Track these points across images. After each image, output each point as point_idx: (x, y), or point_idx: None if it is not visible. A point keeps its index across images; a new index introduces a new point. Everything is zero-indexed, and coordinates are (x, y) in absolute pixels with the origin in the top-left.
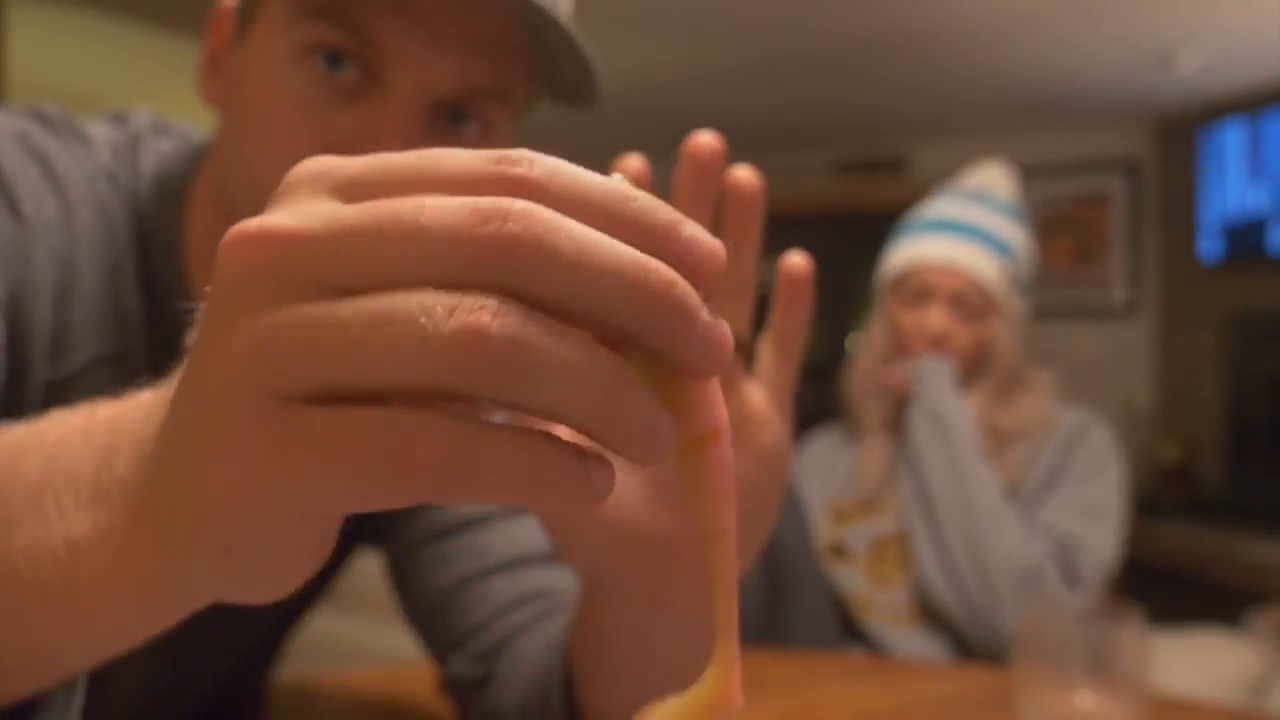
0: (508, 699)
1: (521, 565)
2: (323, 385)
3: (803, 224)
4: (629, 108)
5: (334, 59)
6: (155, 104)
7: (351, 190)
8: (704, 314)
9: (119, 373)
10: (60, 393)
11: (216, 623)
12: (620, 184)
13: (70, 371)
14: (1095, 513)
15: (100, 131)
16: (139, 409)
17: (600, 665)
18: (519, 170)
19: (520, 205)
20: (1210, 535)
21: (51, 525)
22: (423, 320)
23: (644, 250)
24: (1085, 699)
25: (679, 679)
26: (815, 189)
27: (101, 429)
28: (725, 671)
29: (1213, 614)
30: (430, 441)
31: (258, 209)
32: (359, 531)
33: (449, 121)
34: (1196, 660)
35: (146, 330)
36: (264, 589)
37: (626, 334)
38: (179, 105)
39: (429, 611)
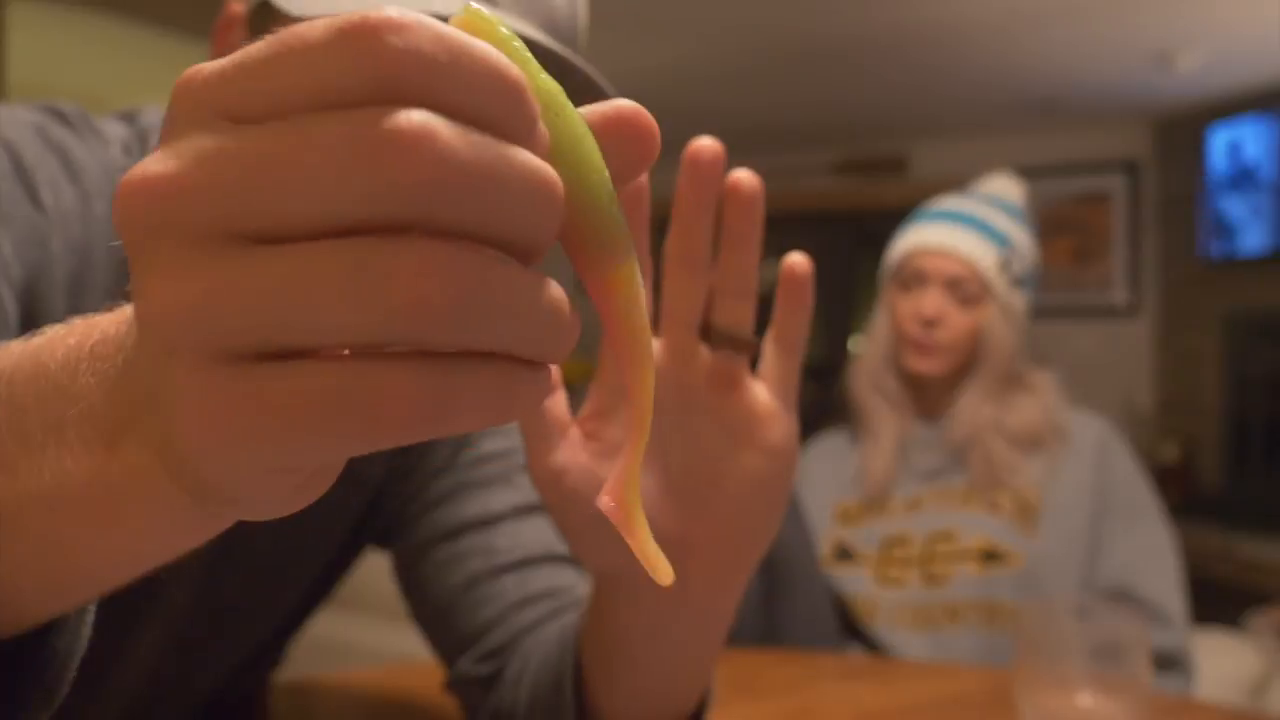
0: (518, 697)
1: (531, 564)
2: (264, 344)
3: (803, 224)
4: None
5: None
6: (156, 104)
7: (225, 104)
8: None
9: None
10: None
11: (219, 624)
12: (495, 52)
13: None
14: (1157, 554)
15: (113, 129)
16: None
17: (613, 662)
18: (384, 41)
19: (411, 127)
20: (1210, 535)
21: (74, 458)
22: (356, 282)
23: (521, 135)
24: (1085, 699)
25: (692, 674)
26: (815, 189)
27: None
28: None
29: (1213, 614)
30: (400, 388)
31: None
32: (366, 532)
33: None
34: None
35: None
36: (278, 512)
37: (517, 247)
38: None
39: (438, 611)
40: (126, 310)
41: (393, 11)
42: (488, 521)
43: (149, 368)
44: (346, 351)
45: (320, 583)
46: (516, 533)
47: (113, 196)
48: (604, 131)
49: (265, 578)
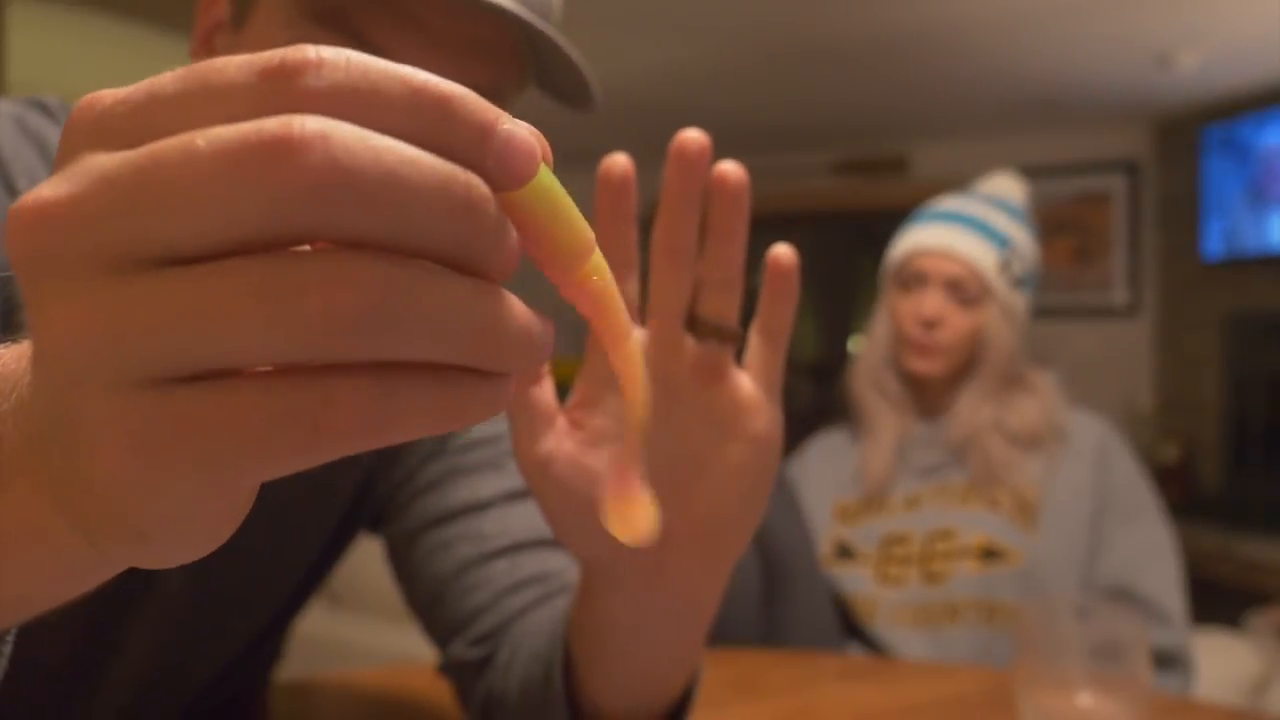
0: (508, 681)
1: (521, 549)
2: (180, 368)
3: (803, 224)
4: (629, 108)
5: None
6: None
7: (127, 130)
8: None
9: None
10: None
11: (214, 612)
12: (421, 75)
13: None
14: (1157, 553)
15: None
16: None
17: (600, 649)
18: (302, 82)
19: (304, 132)
20: (1210, 535)
21: None
22: (264, 299)
23: (457, 153)
24: (1085, 699)
25: (678, 660)
26: (815, 189)
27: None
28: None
29: (1213, 614)
30: (334, 401)
31: None
32: (358, 517)
33: None
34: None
35: None
36: (186, 556)
37: (441, 255)
38: None
39: (430, 597)
40: (19, 346)
41: (310, 50)
42: (477, 507)
43: (49, 403)
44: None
45: (314, 569)
46: (506, 518)
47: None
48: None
49: (259, 563)
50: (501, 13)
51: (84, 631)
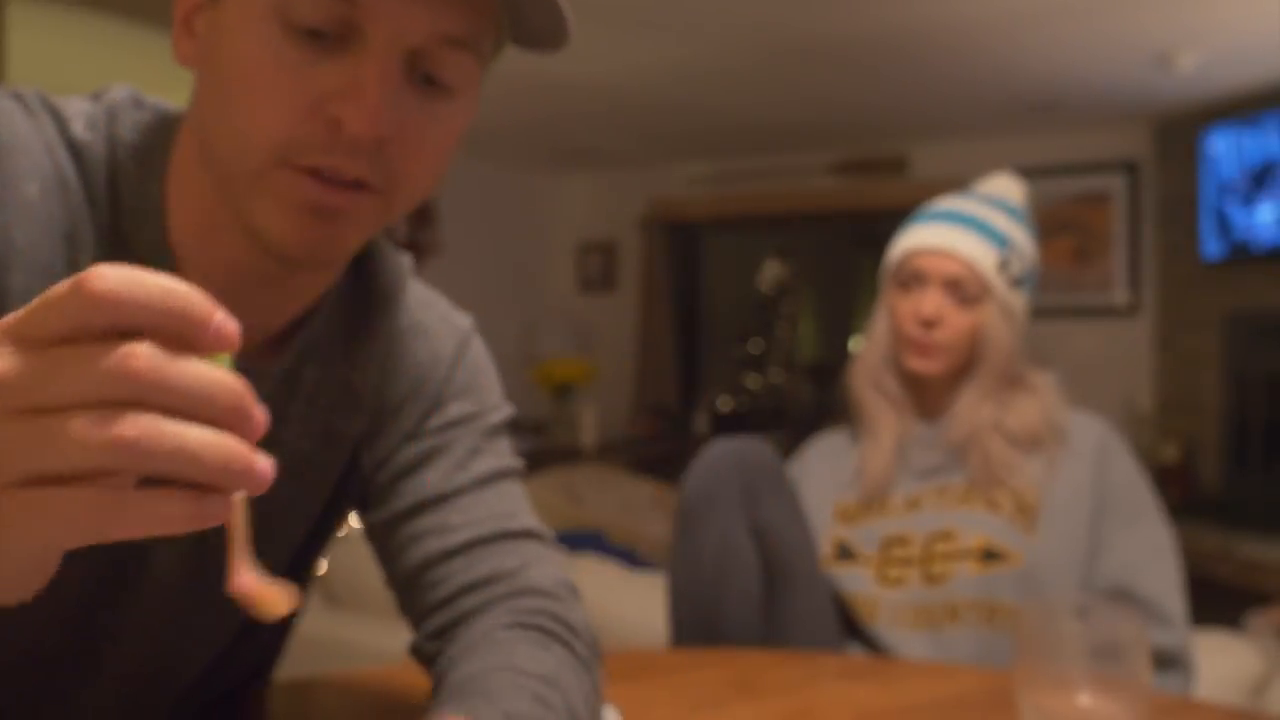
0: (449, 680)
1: (480, 545)
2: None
3: (803, 224)
4: (629, 108)
5: (314, 32)
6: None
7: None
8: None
9: None
10: None
11: (207, 597)
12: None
13: None
14: (1157, 553)
15: (77, 107)
16: None
17: None
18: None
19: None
20: (1210, 535)
21: None
22: (88, 436)
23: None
24: (1085, 699)
25: None
26: (815, 189)
27: None
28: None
29: (1213, 614)
30: (97, 508)
31: (245, 166)
32: (346, 495)
33: (419, 82)
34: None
35: None
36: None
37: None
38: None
39: (401, 586)
40: None
41: (106, 271)
42: (447, 495)
43: None
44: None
45: (306, 550)
46: (473, 507)
47: (58, 179)
48: None
49: (253, 539)
50: None
51: (75, 619)
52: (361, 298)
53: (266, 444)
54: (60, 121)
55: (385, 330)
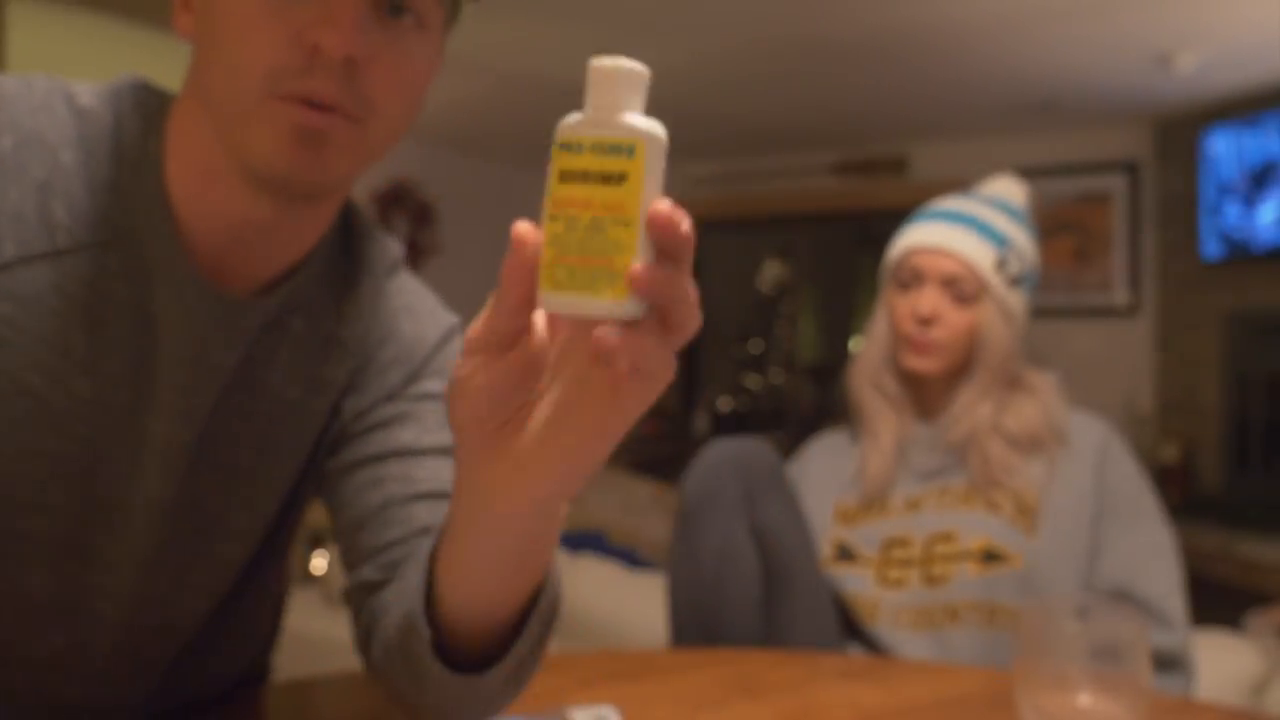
0: (394, 598)
1: (445, 497)
2: None
3: (803, 224)
4: None
5: None
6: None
7: None
8: None
9: (40, 270)
10: None
11: (199, 533)
12: None
13: None
14: (1157, 554)
15: (88, 85)
16: None
17: (461, 562)
18: None
19: None
20: (1210, 535)
21: None
22: None
23: None
24: (1085, 699)
25: (524, 571)
26: (816, 189)
27: None
28: None
29: (1213, 614)
30: None
31: (238, 99)
32: (325, 443)
33: (389, 12)
34: (1196, 660)
35: (84, 234)
36: None
37: None
38: None
39: (354, 525)
40: None
41: None
42: (414, 452)
43: None
44: None
45: (294, 494)
46: (440, 468)
47: (37, 135)
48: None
49: (243, 479)
50: None
51: (69, 546)
52: (351, 266)
53: (256, 389)
54: (67, 92)
55: (372, 294)
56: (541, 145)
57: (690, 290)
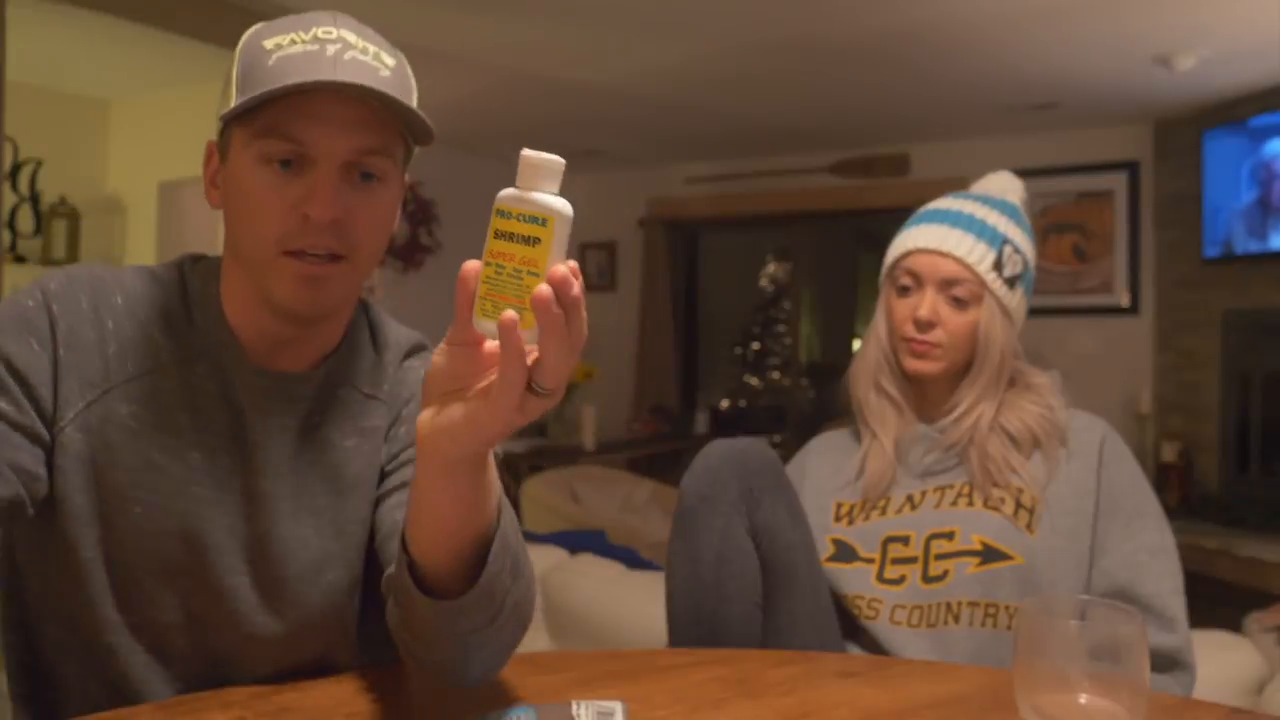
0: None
1: None
2: None
3: (804, 224)
4: (630, 108)
5: (284, 162)
6: (154, 103)
7: None
8: None
9: (153, 380)
10: (109, 398)
11: (306, 518)
12: None
13: (117, 381)
14: (1157, 554)
15: (159, 266)
16: None
17: (422, 522)
18: None
19: None
20: (1210, 535)
21: None
22: None
23: None
24: (1085, 699)
25: (471, 521)
26: (816, 189)
27: None
28: None
29: (1213, 614)
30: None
31: (260, 256)
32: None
33: (359, 178)
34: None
35: (178, 354)
36: None
37: None
38: (177, 104)
39: (388, 535)
40: None
41: None
42: None
43: None
44: None
45: (374, 503)
46: None
47: (148, 299)
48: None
49: (341, 484)
50: (379, 97)
51: (189, 586)
52: (379, 348)
53: (322, 443)
54: (141, 270)
55: (398, 365)
56: (541, 145)
57: (572, 336)
